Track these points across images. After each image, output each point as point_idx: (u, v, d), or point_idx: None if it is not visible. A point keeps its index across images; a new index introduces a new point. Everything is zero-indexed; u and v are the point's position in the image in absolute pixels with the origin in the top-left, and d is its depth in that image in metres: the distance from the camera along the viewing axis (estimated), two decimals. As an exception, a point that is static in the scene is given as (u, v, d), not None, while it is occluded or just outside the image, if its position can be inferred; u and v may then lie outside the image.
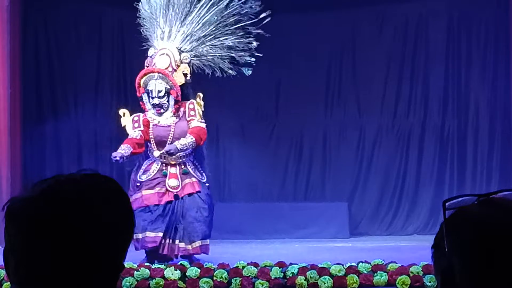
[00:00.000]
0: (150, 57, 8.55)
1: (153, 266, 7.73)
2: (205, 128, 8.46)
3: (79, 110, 11.90)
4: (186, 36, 8.52)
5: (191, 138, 8.26)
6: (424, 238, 10.34)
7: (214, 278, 7.56)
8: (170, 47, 8.47)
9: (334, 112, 12.23)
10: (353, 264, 7.74)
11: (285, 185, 12.03)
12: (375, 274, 7.60)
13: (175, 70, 8.43)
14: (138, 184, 8.30)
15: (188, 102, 8.43)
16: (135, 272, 7.61)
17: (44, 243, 1.43)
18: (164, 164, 8.36)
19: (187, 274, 7.63)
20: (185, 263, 7.91)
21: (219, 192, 12.26)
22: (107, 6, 11.86)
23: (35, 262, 1.43)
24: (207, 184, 8.45)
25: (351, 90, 12.07)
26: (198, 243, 8.20)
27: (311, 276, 7.52)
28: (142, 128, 8.37)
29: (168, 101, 8.36)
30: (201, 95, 8.54)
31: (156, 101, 8.33)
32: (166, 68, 8.38)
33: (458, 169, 12.00)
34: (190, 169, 8.38)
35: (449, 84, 12.03)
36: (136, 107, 12.12)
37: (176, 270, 7.63)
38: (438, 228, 1.46)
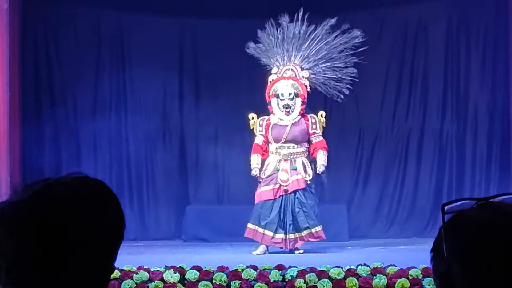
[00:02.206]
0: (275, 73, 9.92)
1: (152, 269, 7.71)
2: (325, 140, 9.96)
3: (78, 111, 11.88)
4: (304, 58, 9.96)
5: (324, 153, 9.75)
6: (423, 241, 10.31)
7: (213, 281, 7.55)
8: (293, 64, 9.93)
9: (333, 115, 12.22)
10: (352, 267, 7.73)
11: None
12: (374, 277, 7.59)
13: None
14: (260, 180, 9.70)
15: (310, 115, 9.86)
16: (134, 275, 7.59)
17: (35, 246, 1.42)
18: (277, 160, 9.67)
19: (186, 277, 7.61)
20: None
21: (218, 194, 12.25)
22: (106, 7, 11.85)
23: (26, 265, 1.43)
24: (309, 182, 9.64)
25: (350, 93, 12.03)
26: (316, 230, 9.56)
27: (310, 279, 7.51)
28: (263, 132, 9.82)
29: (295, 103, 9.72)
30: (324, 113, 10.05)
31: (286, 102, 9.71)
32: None
33: (457, 173, 11.98)
34: (298, 167, 9.61)
35: (448, 87, 12.02)
36: (135, 106, 12.13)
37: (175, 273, 7.62)
38: (437, 231, 1.46)
